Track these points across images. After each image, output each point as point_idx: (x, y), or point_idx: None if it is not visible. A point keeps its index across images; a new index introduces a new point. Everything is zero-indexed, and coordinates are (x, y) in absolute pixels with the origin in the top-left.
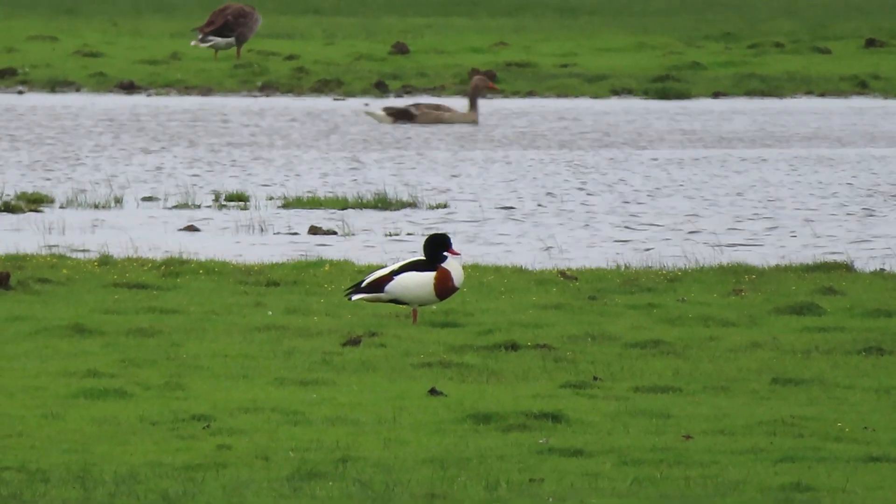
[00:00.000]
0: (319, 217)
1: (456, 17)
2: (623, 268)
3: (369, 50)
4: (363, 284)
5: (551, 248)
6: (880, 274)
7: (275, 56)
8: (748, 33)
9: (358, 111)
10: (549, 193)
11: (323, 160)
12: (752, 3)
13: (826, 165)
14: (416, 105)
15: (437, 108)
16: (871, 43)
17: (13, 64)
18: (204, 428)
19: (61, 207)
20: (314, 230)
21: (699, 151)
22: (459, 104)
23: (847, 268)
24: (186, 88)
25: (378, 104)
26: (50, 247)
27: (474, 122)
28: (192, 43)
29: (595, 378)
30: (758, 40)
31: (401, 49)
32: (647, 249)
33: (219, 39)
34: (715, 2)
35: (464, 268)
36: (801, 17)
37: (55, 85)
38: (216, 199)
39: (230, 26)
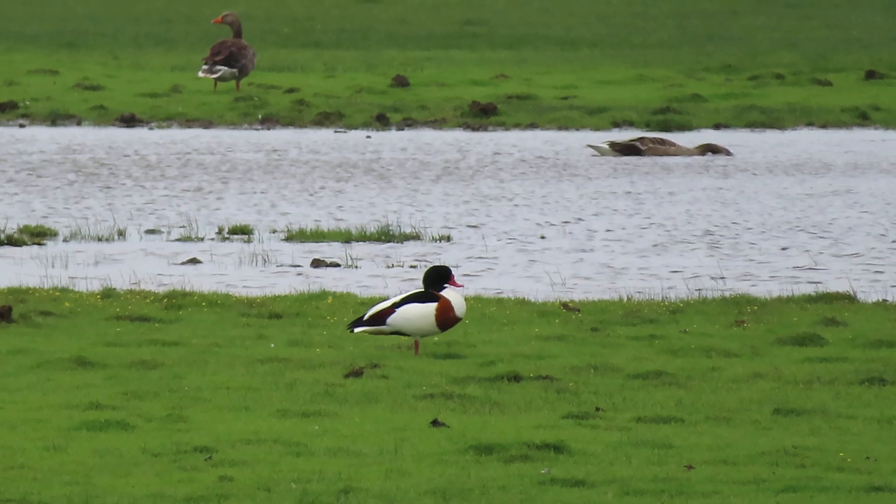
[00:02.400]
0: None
1: (456, 50)
2: (625, 299)
3: (370, 83)
4: (365, 317)
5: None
6: (882, 304)
7: (275, 89)
8: (748, 65)
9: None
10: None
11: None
12: (752, 36)
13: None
14: (642, 139)
15: (663, 142)
16: (871, 75)
17: (14, 97)
18: (206, 460)
19: (64, 241)
20: (316, 263)
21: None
22: (682, 139)
23: (849, 298)
24: (188, 121)
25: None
26: (53, 280)
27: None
28: (200, 74)
29: (597, 409)
30: (758, 72)
31: (401, 82)
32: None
33: (226, 69)
34: (715, 34)
35: (465, 299)
36: (801, 49)
37: (56, 118)
38: (219, 232)
39: (235, 57)
